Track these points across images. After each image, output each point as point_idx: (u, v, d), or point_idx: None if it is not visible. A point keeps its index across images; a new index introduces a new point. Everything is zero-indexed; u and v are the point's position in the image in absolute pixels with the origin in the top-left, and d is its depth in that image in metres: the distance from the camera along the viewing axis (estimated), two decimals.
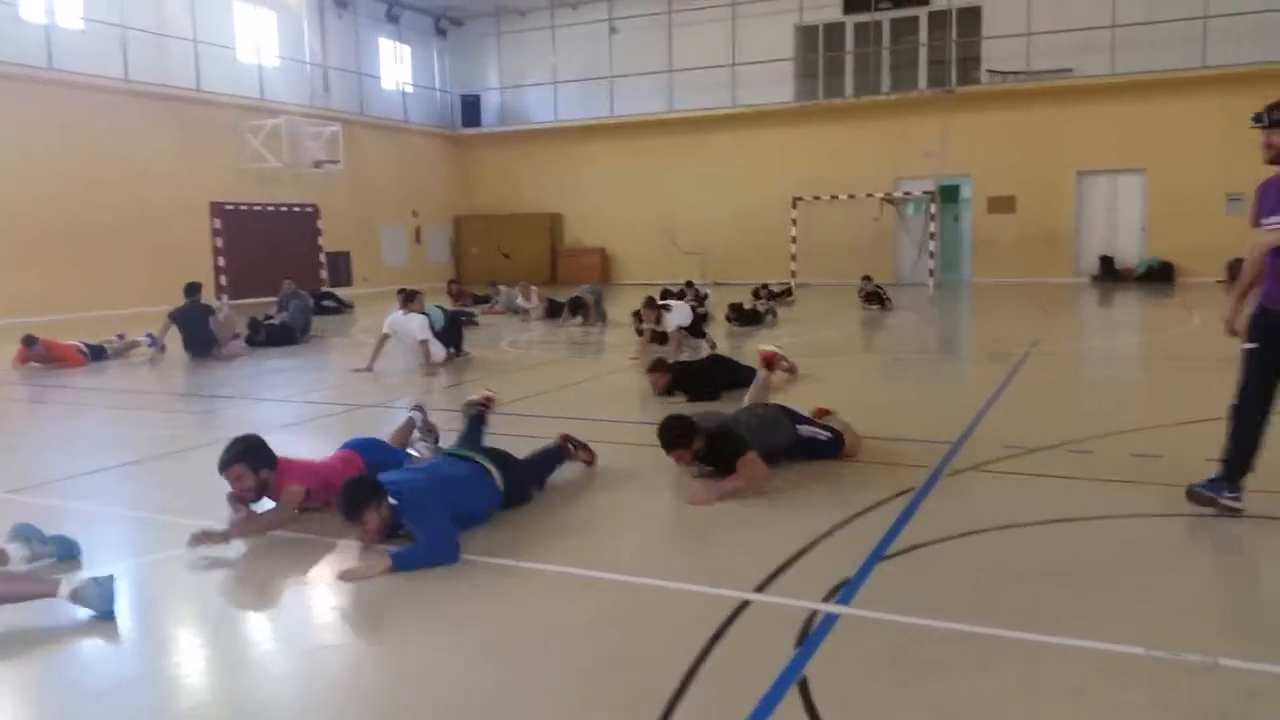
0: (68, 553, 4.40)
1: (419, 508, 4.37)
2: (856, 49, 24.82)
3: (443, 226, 29.30)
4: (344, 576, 4.11)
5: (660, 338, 11.76)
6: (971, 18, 23.60)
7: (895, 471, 5.66)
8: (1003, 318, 16.17)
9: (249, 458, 4.79)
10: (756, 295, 16.64)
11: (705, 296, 16.15)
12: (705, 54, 25.49)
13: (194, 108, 21.05)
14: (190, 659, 3.53)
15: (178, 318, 12.06)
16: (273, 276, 22.71)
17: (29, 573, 4.14)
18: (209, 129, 21.46)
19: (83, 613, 3.72)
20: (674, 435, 5.45)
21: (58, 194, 18.35)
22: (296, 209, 24.00)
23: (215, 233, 21.92)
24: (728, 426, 5.61)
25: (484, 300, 19.04)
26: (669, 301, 12.28)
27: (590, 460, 5.89)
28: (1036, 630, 3.44)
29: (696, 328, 12.12)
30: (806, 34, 25.23)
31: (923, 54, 24.24)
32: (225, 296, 12.81)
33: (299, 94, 24.00)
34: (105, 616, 3.71)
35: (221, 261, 21.96)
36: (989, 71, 23.38)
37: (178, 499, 5.52)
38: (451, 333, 11.46)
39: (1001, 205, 23.49)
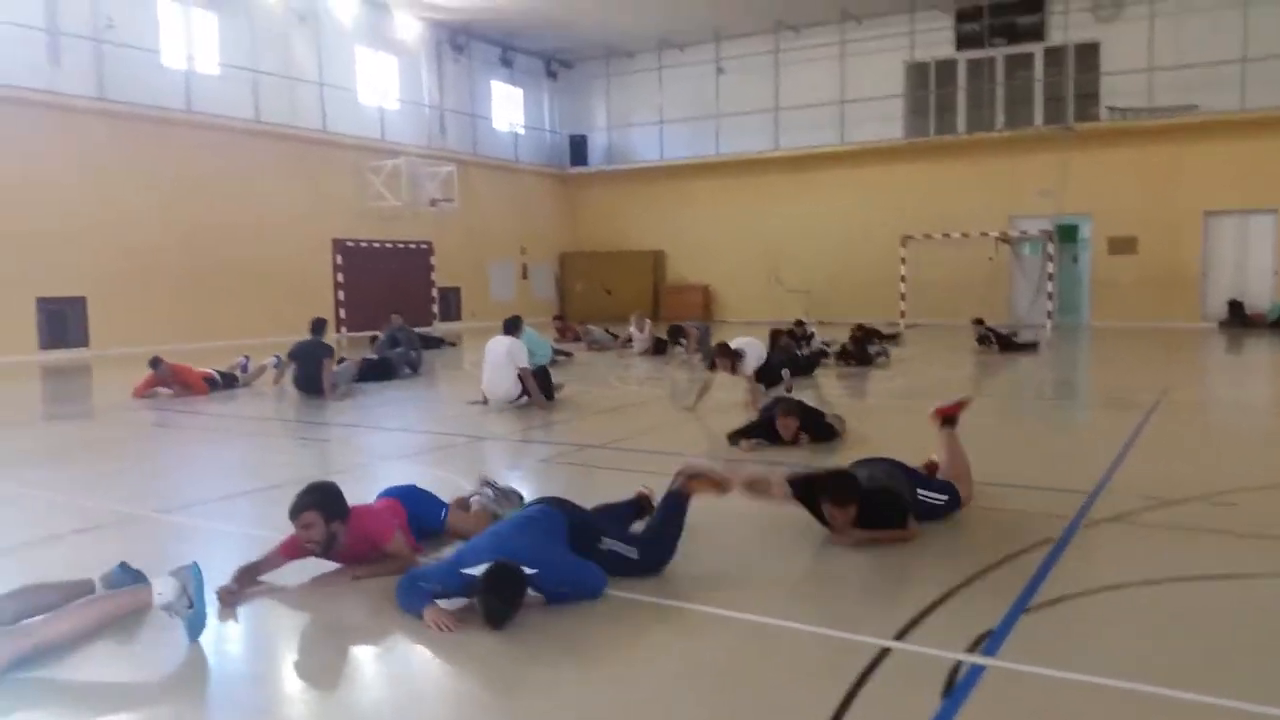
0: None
1: (553, 571, 4.08)
2: (969, 85, 24.47)
3: (548, 263, 29.86)
4: (433, 620, 3.91)
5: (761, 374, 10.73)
6: (1090, 53, 23.04)
7: (1030, 520, 5.48)
8: (1127, 363, 15.57)
9: (323, 507, 4.38)
10: (855, 338, 15.50)
11: (811, 336, 15.92)
12: (812, 92, 25.51)
13: (320, 148, 22.03)
14: (336, 692, 3.62)
15: (296, 355, 11.78)
16: (388, 311, 23.59)
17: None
18: (333, 169, 22.43)
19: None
20: (851, 488, 4.92)
21: (193, 230, 19.40)
22: (413, 246, 24.81)
23: (337, 268, 22.81)
24: (885, 486, 5.15)
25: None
26: (740, 344, 10.62)
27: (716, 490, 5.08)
28: (1193, 690, 3.28)
29: (771, 372, 11.11)
30: (917, 70, 25.01)
31: (1038, 90, 23.75)
32: (346, 360, 12.38)
33: (417, 135, 24.91)
34: (195, 625, 3.74)
35: (341, 296, 22.81)
36: (1109, 108, 22.73)
37: None
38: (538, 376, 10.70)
39: (1123, 246, 22.70)
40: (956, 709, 3.17)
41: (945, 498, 5.41)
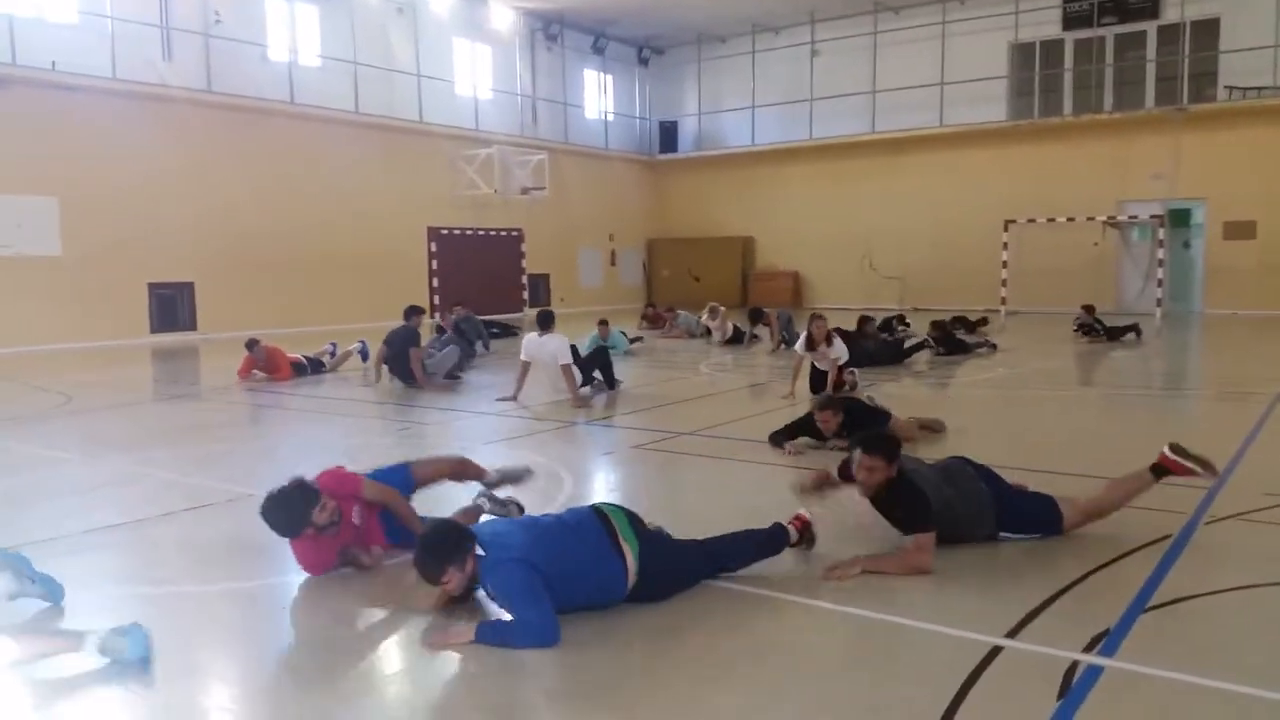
0: (53, 596, 4.04)
1: (505, 578, 3.64)
2: (1076, 66, 23.56)
3: (636, 250, 29.89)
4: (431, 644, 3.61)
5: (822, 377, 9.89)
6: (1208, 30, 21.92)
7: (1146, 516, 5.22)
8: (1245, 352, 14.81)
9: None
10: (940, 329, 14.34)
11: (901, 328, 15.45)
12: (911, 74, 24.87)
13: (415, 138, 22.43)
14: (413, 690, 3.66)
15: (389, 342, 11.39)
16: (480, 298, 23.92)
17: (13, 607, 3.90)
18: (428, 158, 22.82)
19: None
20: (889, 444, 4.57)
21: (293, 218, 19.98)
22: (504, 233, 25.12)
23: (431, 256, 23.23)
24: (926, 488, 4.55)
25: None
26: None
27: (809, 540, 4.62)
28: None
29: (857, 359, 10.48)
30: (1022, 51, 24.19)
31: (1150, 70, 22.72)
32: (450, 347, 12.05)
33: (509, 124, 25.18)
34: (140, 664, 3.40)
35: (436, 283, 23.24)
36: (1227, 88, 21.61)
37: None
38: (597, 361, 10.44)
39: (1240, 231, 21.57)
40: (1074, 711, 3.04)
41: (1035, 536, 4.75)
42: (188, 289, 18.72)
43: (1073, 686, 3.21)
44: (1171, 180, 21.40)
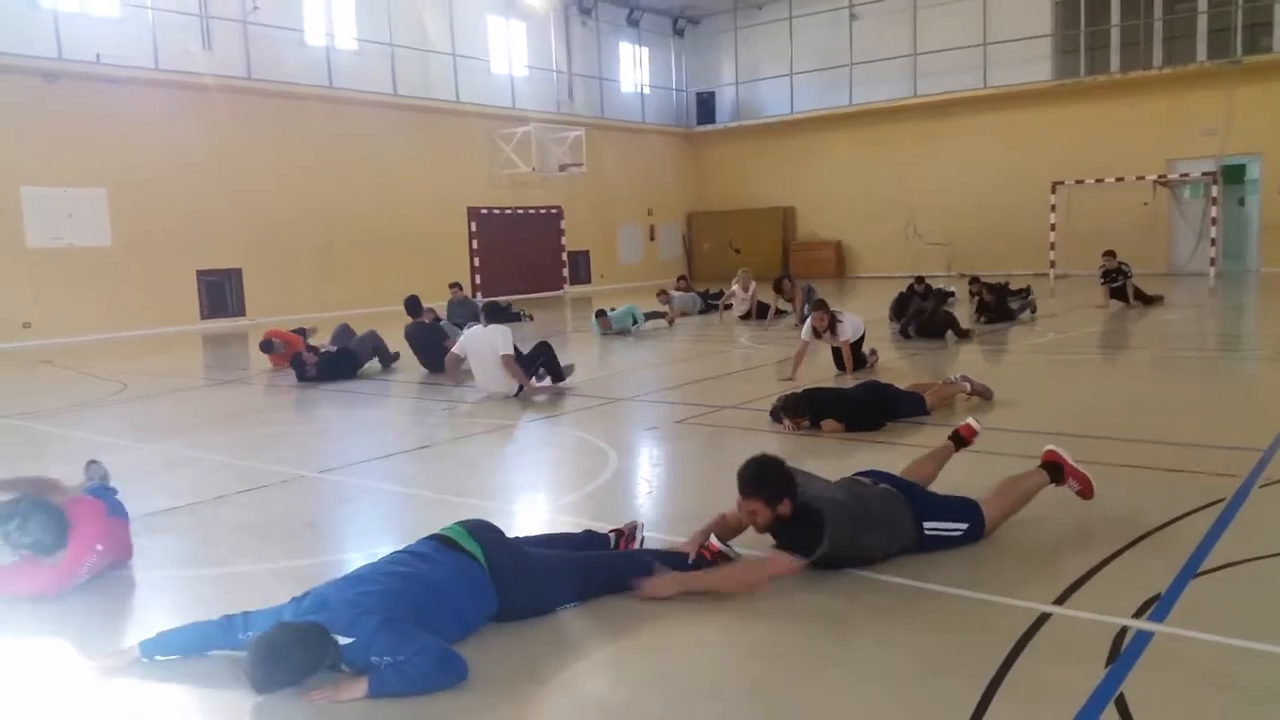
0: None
1: (384, 641, 3.12)
2: (1124, 21, 22.92)
3: (675, 224, 29.78)
4: (314, 699, 3.07)
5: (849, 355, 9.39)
6: None
7: (1197, 480, 5.14)
8: None
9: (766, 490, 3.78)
10: (979, 294, 13.96)
11: (950, 294, 14.86)
12: (952, 35, 24.37)
13: (453, 119, 22.49)
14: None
15: (419, 344, 10.98)
16: (520, 277, 24.04)
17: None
18: (466, 138, 22.89)
19: None
20: (766, 481, 3.92)
21: (336, 202, 20.17)
22: (543, 211, 25.15)
23: (471, 235, 23.36)
24: (819, 512, 3.92)
25: (714, 296, 17.35)
26: (842, 314, 9.53)
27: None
28: None
29: (855, 357, 9.52)
30: (1067, 8, 23.58)
31: (1202, 22, 22.03)
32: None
33: (545, 101, 25.14)
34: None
35: (477, 262, 23.38)
36: None
37: (473, 481, 5.89)
38: (540, 354, 9.29)
39: None
40: (1123, 676, 3.02)
41: (963, 528, 4.21)
42: (235, 275, 19.02)
43: (1122, 652, 3.18)
44: (1224, 136, 20.81)
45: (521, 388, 8.84)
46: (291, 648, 3.06)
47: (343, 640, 3.13)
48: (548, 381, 9.20)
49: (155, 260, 17.61)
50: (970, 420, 5.08)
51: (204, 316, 18.56)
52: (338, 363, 10.72)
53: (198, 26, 18.25)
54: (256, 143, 18.96)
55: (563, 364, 9.44)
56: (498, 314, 9.03)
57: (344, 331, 11.90)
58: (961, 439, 4.98)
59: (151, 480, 6.20)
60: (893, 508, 4.12)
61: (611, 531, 4.29)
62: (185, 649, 3.41)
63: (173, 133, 17.77)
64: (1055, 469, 4.55)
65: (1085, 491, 4.55)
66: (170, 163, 17.70)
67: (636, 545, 4.26)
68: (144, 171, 17.36)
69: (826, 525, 3.85)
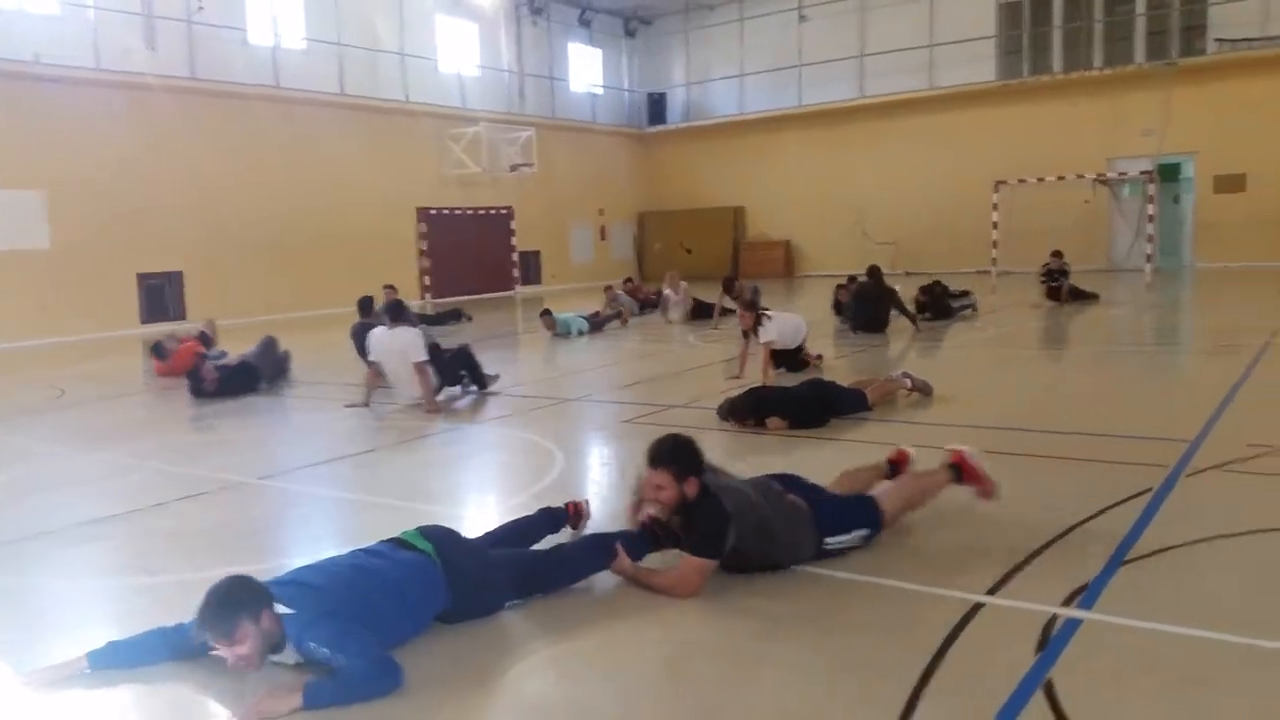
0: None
1: (325, 632, 3.13)
2: (1066, 24, 23.41)
3: (627, 223, 29.84)
4: (247, 711, 2.98)
5: (784, 356, 9.26)
6: None
7: (1129, 470, 5.29)
8: (1232, 306, 14.86)
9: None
10: (930, 291, 13.89)
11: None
12: (899, 37, 24.73)
13: (402, 118, 22.33)
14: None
15: (354, 334, 10.46)
16: (471, 277, 23.90)
17: None
18: (415, 138, 22.72)
19: None
20: (680, 453, 3.89)
21: (281, 203, 19.93)
22: (493, 211, 25.05)
23: (421, 235, 23.19)
24: (726, 510, 3.85)
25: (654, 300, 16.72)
26: (780, 318, 9.26)
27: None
28: None
29: (794, 360, 9.38)
30: (1010, 10, 24.05)
31: (1140, 24, 22.59)
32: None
33: (496, 101, 25.05)
34: None
35: (426, 263, 23.21)
36: (1217, 40, 21.50)
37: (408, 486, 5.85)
38: (462, 359, 8.87)
39: (1230, 184, 21.56)
40: (1051, 663, 3.10)
41: (864, 534, 4.20)
42: (176, 278, 18.68)
43: (1051, 639, 3.27)
44: (1161, 135, 21.34)
45: (430, 391, 8.11)
46: (232, 585, 3.17)
47: (284, 610, 3.18)
48: (474, 389, 8.85)
49: (95, 263, 17.25)
50: (906, 448, 4.90)
51: (144, 320, 18.19)
52: (236, 378, 9.92)
53: (140, 25, 17.91)
54: (201, 144, 18.65)
55: (488, 372, 8.99)
56: (402, 314, 8.44)
57: (269, 345, 10.76)
58: (895, 470, 4.79)
59: (90, 487, 6.09)
60: (796, 521, 4.05)
61: (568, 504, 4.58)
62: (135, 659, 3.37)
63: (114, 134, 17.41)
64: (958, 470, 4.54)
65: (985, 494, 4.52)
66: (111, 164, 17.34)
67: (586, 519, 4.61)
68: (84, 173, 16.99)
69: (731, 517, 3.81)
